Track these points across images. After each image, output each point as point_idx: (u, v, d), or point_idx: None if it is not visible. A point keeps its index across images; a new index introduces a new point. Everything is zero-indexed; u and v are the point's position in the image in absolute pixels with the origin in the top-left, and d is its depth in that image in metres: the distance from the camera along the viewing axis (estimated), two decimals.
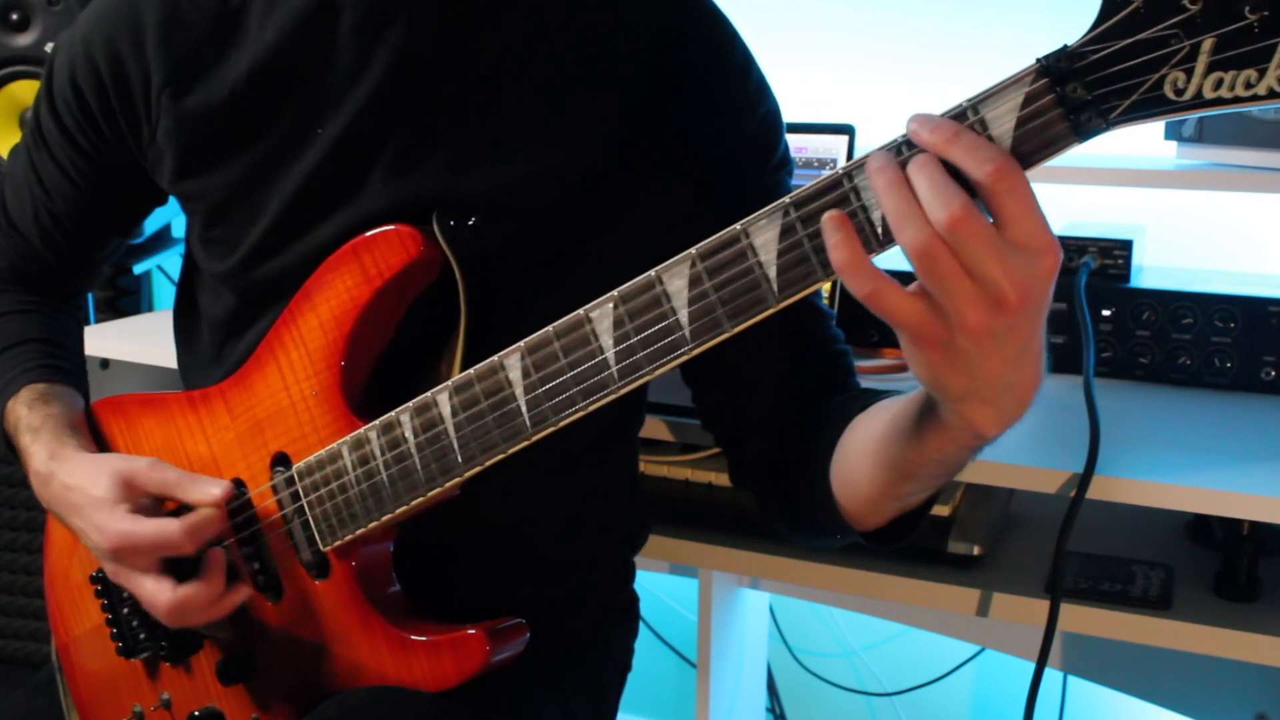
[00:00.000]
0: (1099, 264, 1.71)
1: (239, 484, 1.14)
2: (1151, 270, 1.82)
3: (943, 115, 0.78)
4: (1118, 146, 1.82)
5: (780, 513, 1.17)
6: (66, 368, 1.29)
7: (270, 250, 1.14)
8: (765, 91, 1.16)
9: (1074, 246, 1.72)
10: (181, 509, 1.11)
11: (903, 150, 0.78)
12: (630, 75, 1.10)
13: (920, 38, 2.12)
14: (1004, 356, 0.78)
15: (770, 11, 2.18)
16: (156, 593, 1.08)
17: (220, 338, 1.21)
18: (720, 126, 1.11)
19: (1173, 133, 1.70)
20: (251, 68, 1.11)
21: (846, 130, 1.71)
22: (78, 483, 1.12)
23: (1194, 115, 0.71)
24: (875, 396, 1.04)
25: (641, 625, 1.44)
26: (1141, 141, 1.78)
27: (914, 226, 0.76)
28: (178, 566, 1.09)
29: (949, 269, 0.75)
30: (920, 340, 0.79)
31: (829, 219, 0.79)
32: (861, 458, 0.98)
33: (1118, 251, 1.71)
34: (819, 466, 1.05)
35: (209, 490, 1.09)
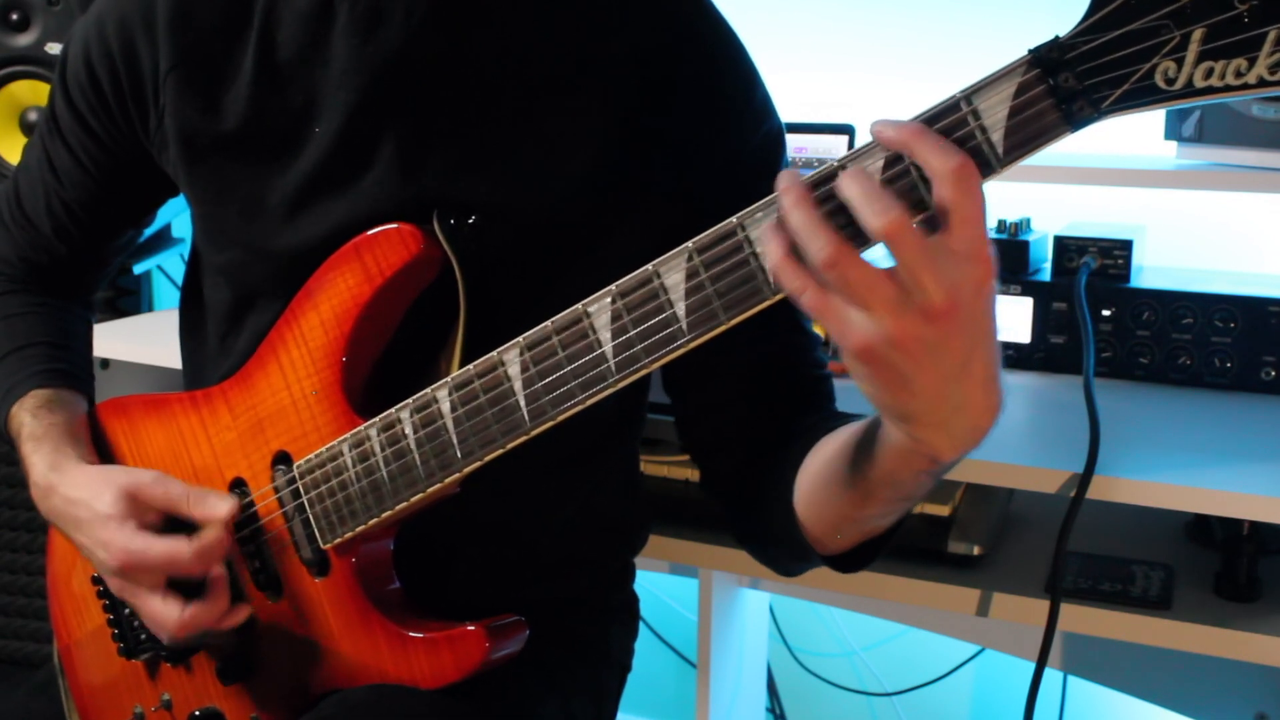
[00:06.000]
0: (1099, 264, 1.71)
1: (240, 483, 1.14)
2: (1151, 270, 1.83)
3: (932, 107, 0.78)
4: (1118, 146, 1.83)
5: (746, 531, 1.17)
6: (72, 371, 1.29)
7: (267, 245, 1.14)
8: (769, 109, 1.15)
9: (1074, 246, 1.72)
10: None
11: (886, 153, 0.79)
12: (629, 80, 1.10)
13: (920, 37, 2.13)
14: (941, 372, 0.78)
15: (770, 11, 2.19)
16: (165, 612, 1.08)
17: (222, 329, 1.22)
18: (720, 139, 1.11)
19: (1173, 132, 1.70)
20: (254, 64, 1.12)
21: (846, 130, 1.72)
22: (81, 496, 1.12)
23: (1184, 105, 0.71)
24: (844, 419, 1.03)
25: (641, 625, 1.44)
26: (1141, 141, 1.78)
27: (819, 240, 0.77)
28: (181, 580, 1.10)
29: (860, 278, 0.76)
30: (851, 347, 0.78)
31: (767, 226, 0.81)
32: (823, 479, 0.98)
33: (1118, 251, 1.71)
34: (784, 485, 1.04)
35: (216, 507, 1.09)
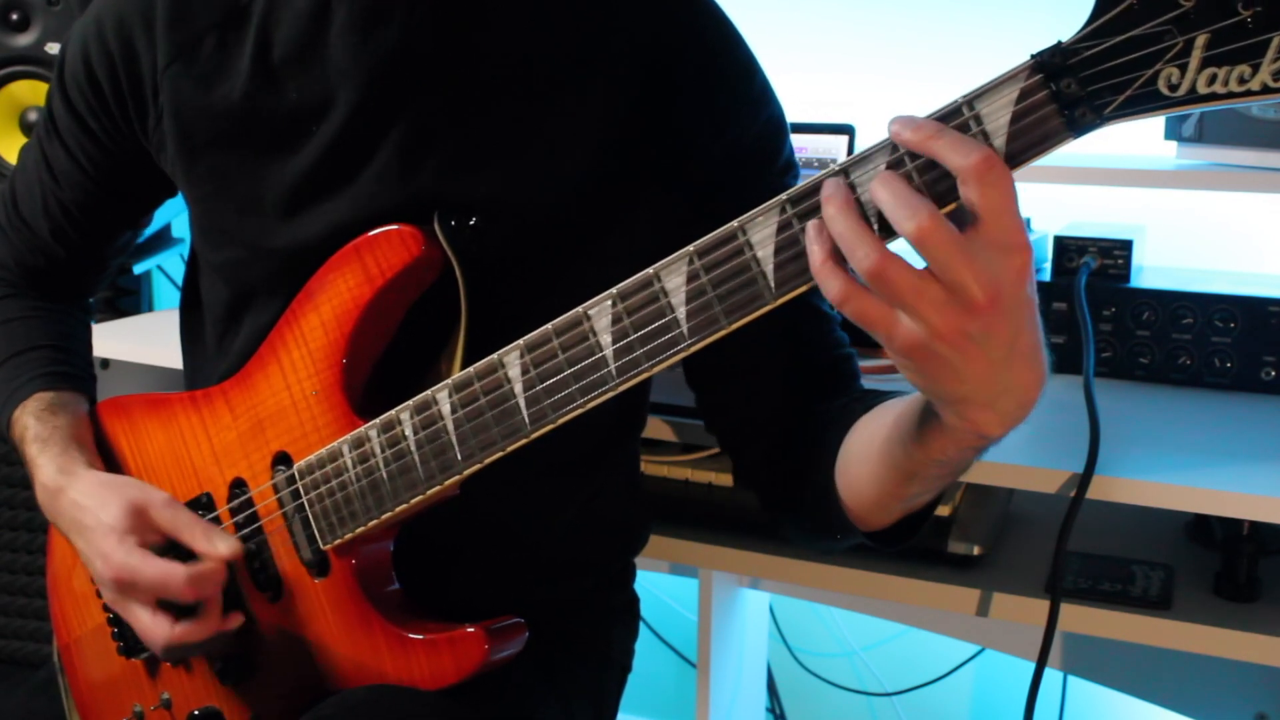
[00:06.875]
0: (1099, 264, 1.71)
1: (240, 483, 1.14)
2: (1151, 270, 1.82)
3: (934, 112, 0.78)
4: (1118, 146, 1.83)
5: (785, 515, 1.17)
6: (74, 373, 1.29)
7: (265, 243, 1.14)
8: (768, 96, 1.15)
9: (1074, 246, 1.72)
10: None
11: (895, 151, 0.78)
12: (630, 77, 1.10)
13: (919, 37, 2.12)
14: (988, 359, 0.78)
15: (770, 11, 2.18)
16: (153, 628, 1.09)
17: (220, 329, 1.22)
18: (721, 131, 1.11)
19: (1173, 133, 1.70)
20: (251, 62, 1.12)
21: (846, 130, 1.72)
22: (89, 504, 1.12)
23: (1187, 111, 0.71)
24: (879, 397, 1.03)
25: (641, 625, 1.44)
26: (1141, 141, 1.78)
27: (864, 248, 0.77)
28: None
29: (906, 284, 0.76)
30: (899, 348, 0.79)
31: (809, 228, 0.81)
32: (866, 459, 0.98)
33: (1118, 251, 1.71)
34: (823, 469, 1.04)
35: (217, 545, 1.09)
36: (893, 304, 0.77)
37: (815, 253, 0.80)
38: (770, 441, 1.14)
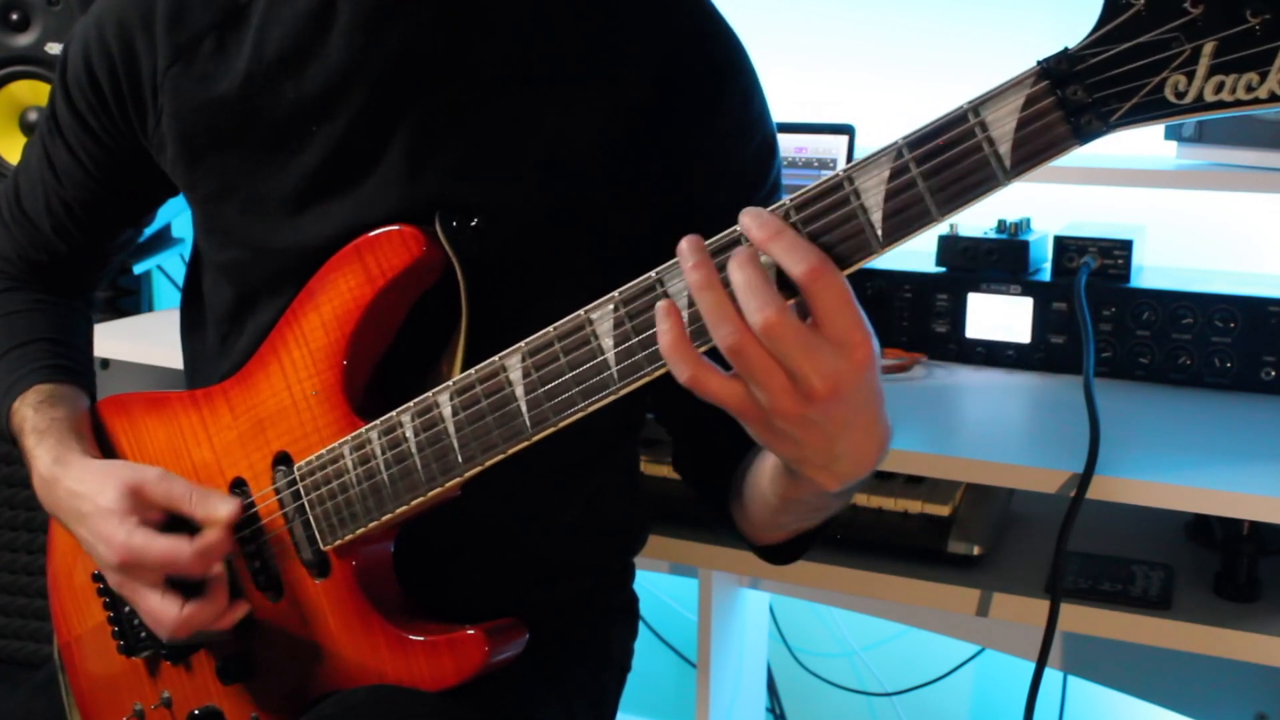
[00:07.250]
0: (1099, 264, 1.71)
1: (240, 483, 1.14)
2: (1151, 270, 1.83)
3: (939, 119, 0.78)
4: (1118, 147, 1.82)
5: (710, 509, 1.20)
6: (73, 367, 1.29)
7: (269, 243, 1.14)
8: (764, 118, 1.15)
9: (1074, 246, 1.73)
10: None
11: (899, 158, 0.79)
12: (632, 81, 1.10)
13: (920, 38, 2.12)
14: (824, 434, 0.83)
15: (770, 11, 2.18)
16: (163, 609, 1.08)
17: (223, 329, 1.22)
18: (715, 147, 1.11)
19: (1173, 133, 1.70)
20: (250, 61, 1.12)
21: (846, 130, 1.72)
22: (85, 490, 1.12)
23: (1194, 118, 0.71)
24: None
25: (641, 625, 1.44)
26: (1141, 141, 1.78)
27: (727, 327, 0.81)
28: (179, 578, 1.09)
29: (760, 364, 0.81)
30: (742, 418, 0.84)
31: (660, 307, 0.85)
32: (746, 488, 1.05)
33: (1118, 251, 1.71)
34: (724, 485, 1.11)
35: (217, 508, 1.09)
36: (746, 380, 0.82)
37: (667, 332, 0.84)
38: (701, 445, 1.18)
